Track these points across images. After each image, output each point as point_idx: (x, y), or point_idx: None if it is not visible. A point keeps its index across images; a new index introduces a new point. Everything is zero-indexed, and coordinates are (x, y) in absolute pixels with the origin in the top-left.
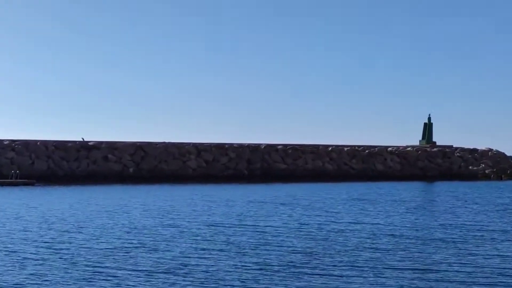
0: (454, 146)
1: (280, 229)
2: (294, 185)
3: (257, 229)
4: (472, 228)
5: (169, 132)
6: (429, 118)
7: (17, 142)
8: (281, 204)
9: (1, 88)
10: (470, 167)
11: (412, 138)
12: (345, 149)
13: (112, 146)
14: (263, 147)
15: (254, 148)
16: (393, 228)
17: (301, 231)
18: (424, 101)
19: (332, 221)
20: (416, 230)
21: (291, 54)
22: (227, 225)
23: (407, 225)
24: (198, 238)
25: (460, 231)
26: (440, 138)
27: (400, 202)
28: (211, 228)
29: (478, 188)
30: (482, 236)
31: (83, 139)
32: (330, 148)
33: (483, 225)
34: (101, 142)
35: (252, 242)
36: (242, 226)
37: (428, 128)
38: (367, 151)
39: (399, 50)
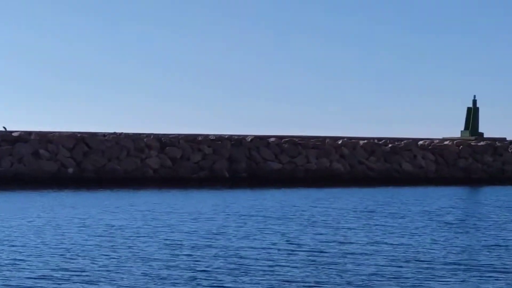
0: (507, 139)
1: (267, 251)
2: (291, 191)
3: (235, 252)
4: None
5: (122, 119)
6: (474, 102)
7: None
8: (270, 217)
9: None
10: None
11: (451, 128)
12: (361, 142)
13: (45, 138)
14: (249, 139)
15: (237, 141)
16: (422, 252)
17: (296, 254)
18: (467, 78)
19: (340, 242)
20: (454, 253)
21: (291, 19)
22: (193, 246)
23: (441, 247)
24: (154, 263)
25: None
26: (489, 128)
27: (433, 214)
28: (171, 250)
29: None
30: None
31: (4, 128)
32: (340, 142)
33: None
34: (30, 133)
35: (226, 270)
36: (214, 247)
37: (472, 115)
38: (390, 145)
39: (429, 11)
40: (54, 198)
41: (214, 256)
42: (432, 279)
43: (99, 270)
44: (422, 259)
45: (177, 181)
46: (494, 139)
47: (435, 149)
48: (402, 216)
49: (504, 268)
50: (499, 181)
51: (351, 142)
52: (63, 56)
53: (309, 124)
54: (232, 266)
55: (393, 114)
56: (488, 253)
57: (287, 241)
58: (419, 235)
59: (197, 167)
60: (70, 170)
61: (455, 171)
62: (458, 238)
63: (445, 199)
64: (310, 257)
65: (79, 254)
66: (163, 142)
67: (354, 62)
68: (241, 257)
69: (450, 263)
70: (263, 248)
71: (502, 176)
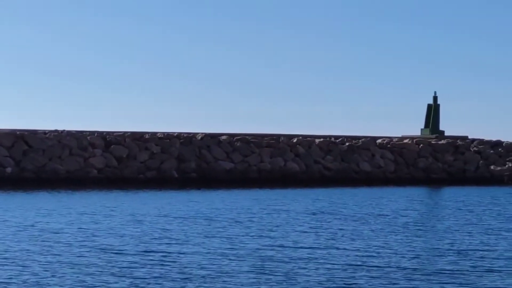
0: (469, 137)
1: (211, 257)
2: (243, 192)
3: (176, 257)
4: (488, 255)
5: (64, 116)
6: (435, 98)
7: None
8: (217, 220)
9: None
10: (493, 167)
11: (411, 125)
12: (317, 141)
13: None
14: (199, 137)
15: (186, 140)
16: (376, 256)
17: (242, 260)
18: (427, 74)
19: (288, 246)
20: (408, 258)
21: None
22: (126, 252)
23: (395, 252)
24: (89, 269)
25: (473, 260)
26: (451, 126)
27: (389, 217)
28: (109, 256)
29: (504, 197)
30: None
31: None
32: (295, 140)
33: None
34: None
35: (166, 277)
36: (154, 252)
37: (433, 112)
38: (347, 144)
39: (387, 3)
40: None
41: (153, 262)
42: (386, 285)
43: (28, 278)
44: (375, 265)
45: (122, 181)
46: (456, 138)
47: (394, 148)
48: (355, 219)
49: (460, 272)
50: (460, 182)
51: (307, 141)
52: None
53: (262, 121)
54: (173, 273)
55: (350, 111)
56: (446, 258)
57: (232, 245)
58: (373, 239)
59: (144, 167)
60: (9, 169)
61: (414, 171)
62: (413, 241)
63: (402, 201)
64: (256, 263)
65: (9, 261)
66: (108, 140)
67: (311, 56)
68: (182, 264)
69: (405, 268)
70: (207, 253)
71: (463, 176)
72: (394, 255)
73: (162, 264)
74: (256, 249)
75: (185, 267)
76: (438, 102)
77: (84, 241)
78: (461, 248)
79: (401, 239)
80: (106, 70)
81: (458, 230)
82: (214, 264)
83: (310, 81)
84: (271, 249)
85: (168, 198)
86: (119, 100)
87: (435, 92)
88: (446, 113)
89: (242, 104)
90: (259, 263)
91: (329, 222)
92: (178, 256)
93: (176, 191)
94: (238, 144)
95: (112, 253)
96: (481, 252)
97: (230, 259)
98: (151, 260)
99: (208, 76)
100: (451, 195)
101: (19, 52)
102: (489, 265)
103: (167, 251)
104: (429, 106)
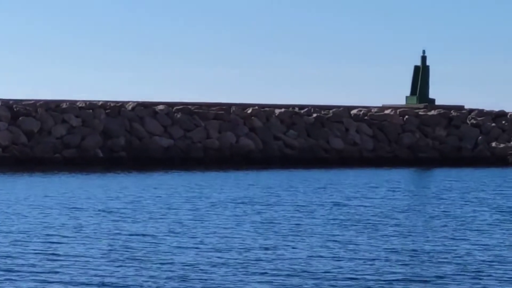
0: (466, 107)
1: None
2: (183, 174)
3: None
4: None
5: None
6: (423, 59)
7: None
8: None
9: None
10: (494, 144)
11: (393, 93)
12: (277, 111)
13: None
14: (130, 107)
15: (114, 110)
16: (310, 264)
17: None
18: (414, 29)
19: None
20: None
21: None
22: None
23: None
24: None
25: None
26: (443, 93)
27: (342, 206)
28: None
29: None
30: None
31: None
32: (249, 110)
33: None
34: None
35: None
36: None
37: (421, 76)
38: (314, 115)
39: None
40: None
41: None
42: None
43: None
44: (310, 271)
45: (33, 162)
46: (449, 108)
47: (373, 120)
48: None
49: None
50: (454, 162)
51: (264, 111)
52: None
53: (209, 88)
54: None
55: (318, 74)
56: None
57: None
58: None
59: (61, 143)
60: None
61: (398, 149)
62: (364, 240)
63: (362, 184)
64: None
65: None
66: (15, 111)
67: (264, 11)
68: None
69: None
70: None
71: (458, 155)
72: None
73: None
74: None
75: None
76: (427, 63)
77: None
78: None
79: (344, 236)
80: (13, 29)
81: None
82: None
83: (267, 38)
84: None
85: (81, 181)
86: (29, 63)
87: (423, 51)
88: (437, 77)
89: (182, 67)
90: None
91: (242, 214)
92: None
93: (100, 174)
94: (178, 116)
95: None
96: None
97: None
98: None
99: (141, 37)
100: (441, 179)
101: None
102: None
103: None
104: (416, 68)
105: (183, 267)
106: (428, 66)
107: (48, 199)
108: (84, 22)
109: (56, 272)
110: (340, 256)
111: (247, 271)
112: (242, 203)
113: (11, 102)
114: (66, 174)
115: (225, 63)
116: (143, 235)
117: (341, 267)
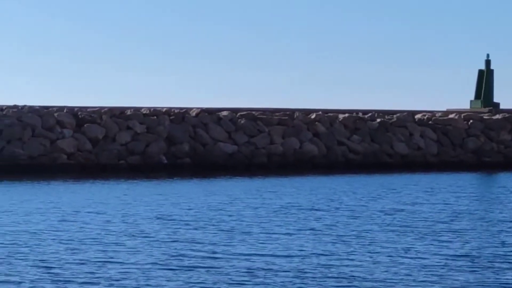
0: None
1: None
2: (248, 180)
3: None
4: None
5: (25, 89)
6: (488, 63)
7: None
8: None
9: None
10: None
11: (458, 97)
12: (340, 117)
13: None
14: (194, 114)
15: (178, 116)
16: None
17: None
18: (478, 32)
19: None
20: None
21: None
22: None
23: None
24: None
25: None
26: (507, 97)
27: (408, 213)
28: None
29: None
30: None
31: None
32: (313, 116)
33: None
34: None
35: None
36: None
37: (485, 80)
38: (378, 120)
39: None
40: None
41: None
42: None
43: None
44: (368, 277)
45: (98, 169)
46: None
47: (437, 124)
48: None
49: None
50: None
51: (328, 117)
52: None
53: (273, 93)
54: None
55: (382, 79)
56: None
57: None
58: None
59: (125, 150)
60: None
61: (462, 153)
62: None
63: (448, 190)
64: None
65: None
66: (80, 118)
67: (326, 16)
68: None
69: None
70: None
71: None
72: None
73: None
74: None
75: None
76: (492, 67)
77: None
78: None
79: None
80: (78, 37)
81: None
82: None
83: (332, 49)
84: None
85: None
86: (93, 70)
87: (487, 55)
88: (501, 81)
89: (245, 73)
90: None
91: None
92: None
93: (164, 181)
94: (242, 122)
95: None
96: None
97: None
98: None
99: (205, 44)
100: (507, 183)
101: None
102: None
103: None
104: (480, 72)
105: (242, 273)
106: (492, 70)
107: (110, 206)
108: (148, 29)
109: (117, 280)
110: (400, 262)
111: (306, 277)
112: (304, 209)
113: (76, 109)
114: (130, 181)
115: (288, 68)
116: (202, 242)
117: (399, 274)
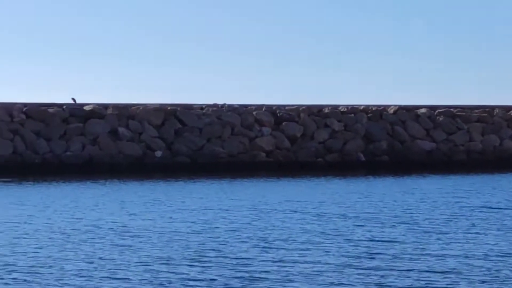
0: None
1: None
2: (442, 178)
3: None
4: None
5: (225, 88)
6: None
7: None
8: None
9: None
10: None
11: None
12: None
13: (125, 113)
14: (392, 111)
15: (376, 114)
16: None
17: None
18: None
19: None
20: None
21: None
22: None
23: None
24: None
25: None
26: None
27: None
28: None
29: None
30: None
31: (73, 100)
32: None
33: None
34: (106, 106)
35: None
36: None
37: None
38: None
39: None
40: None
41: None
42: None
43: None
44: None
45: (297, 166)
46: None
47: None
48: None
49: None
50: None
51: None
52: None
53: (471, 90)
54: None
55: None
56: None
57: None
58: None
59: (323, 148)
60: (158, 153)
61: None
62: None
63: None
64: None
65: None
66: (279, 116)
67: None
68: None
69: None
70: None
71: None
72: None
73: None
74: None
75: None
76: None
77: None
78: None
79: None
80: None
81: None
82: None
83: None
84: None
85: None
86: (290, 68)
87: None
88: None
89: (446, 68)
90: None
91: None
92: None
93: (362, 178)
94: (440, 119)
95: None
96: None
97: None
98: None
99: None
100: None
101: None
102: None
103: None
104: None
105: (423, 274)
106: None
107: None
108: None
109: (290, 281)
110: None
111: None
112: (492, 208)
113: (274, 107)
114: (328, 178)
115: (488, 62)
116: (388, 241)
117: None
